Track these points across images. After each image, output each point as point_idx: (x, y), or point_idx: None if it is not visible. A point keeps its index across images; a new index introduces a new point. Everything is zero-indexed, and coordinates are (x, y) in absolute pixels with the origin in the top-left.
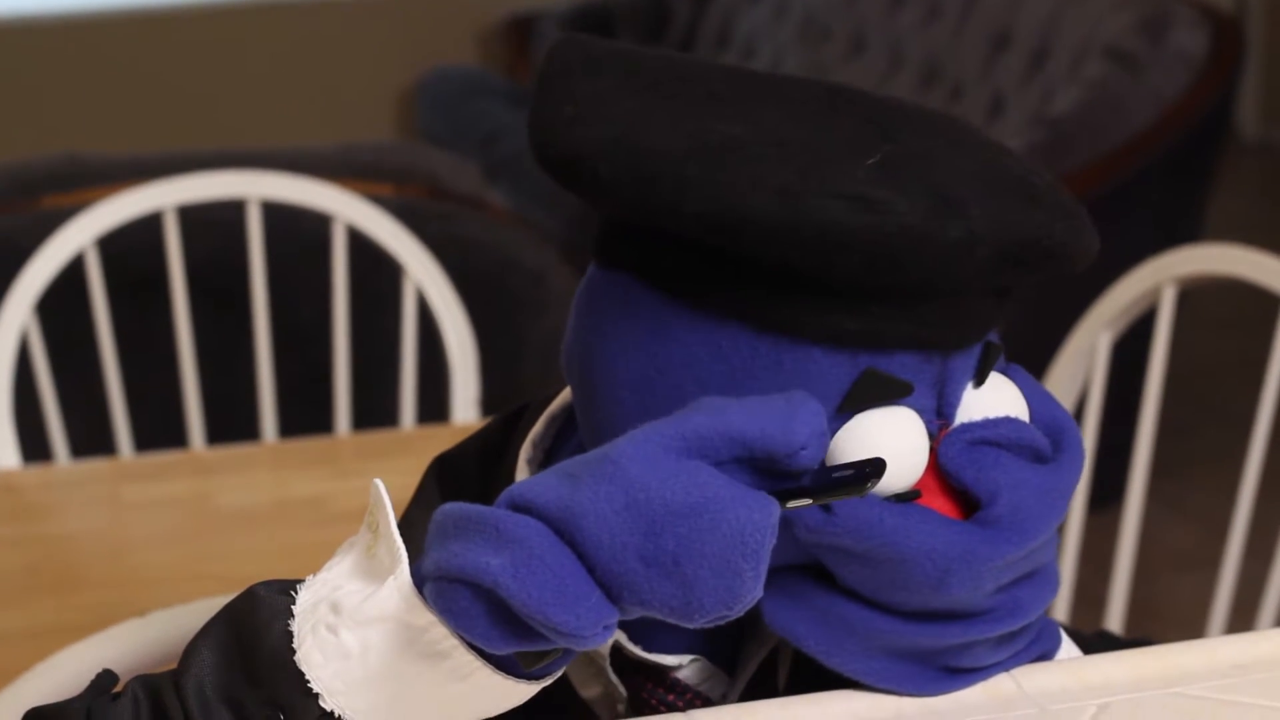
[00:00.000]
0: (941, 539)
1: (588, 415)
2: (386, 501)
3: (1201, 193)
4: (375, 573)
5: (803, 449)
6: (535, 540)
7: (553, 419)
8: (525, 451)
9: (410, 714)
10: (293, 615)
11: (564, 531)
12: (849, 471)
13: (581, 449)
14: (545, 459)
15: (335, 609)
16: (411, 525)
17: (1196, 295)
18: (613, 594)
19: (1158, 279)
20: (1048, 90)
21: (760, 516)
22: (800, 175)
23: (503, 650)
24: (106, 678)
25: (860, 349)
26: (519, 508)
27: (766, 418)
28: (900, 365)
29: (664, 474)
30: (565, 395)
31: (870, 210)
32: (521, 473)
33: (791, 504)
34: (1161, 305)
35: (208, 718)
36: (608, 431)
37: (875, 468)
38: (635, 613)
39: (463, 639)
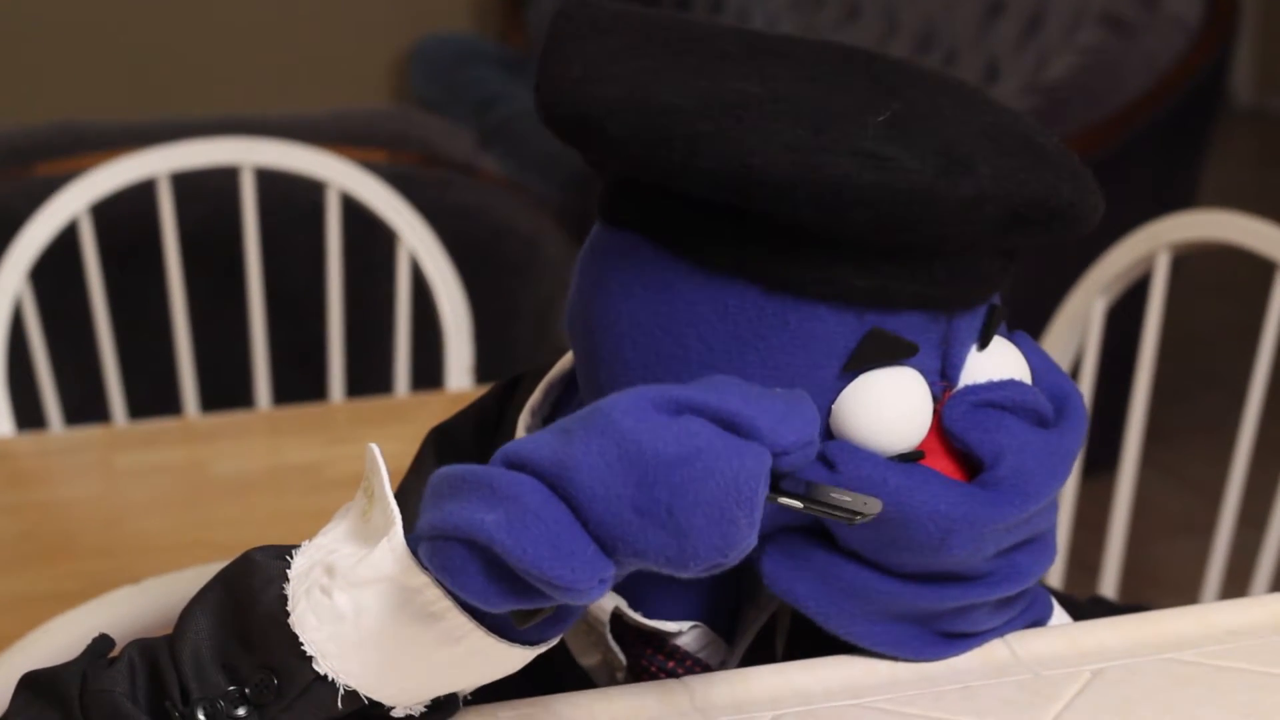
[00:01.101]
0: (945, 500)
1: (591, 375)
2: (381, 465)
3: (1196, 159)
4: (370, 536)
5: (785, 453)
6: (529, 496)
7: (550, 387)
8: (523, 420)
9: (403, 678)
10: (287, 579)
11: (558, 485)
12: (846, 499)
13: None
14: (543, 427)
15: (329, 571)
16: (408, 495)
17: (1191, 261)
18: (608, 546)
19: (1152, 245)
20: (1042, 56)
21: (753, 464)
22: (812, 132)
23: (499, 608)
24: (103, 642)
25: (867, 308)
26: (513, 465)
27: (760, 409)
28: (906, 325)
29: (655, 425)
30: (562, 364)
31: (881, 167)
32: None
33: (782, 500)
34: (1156, 271)
35: (202, 682)
36: (611, 390)
37: (870, 509)
38: (631, 564)
39: (457, 600)
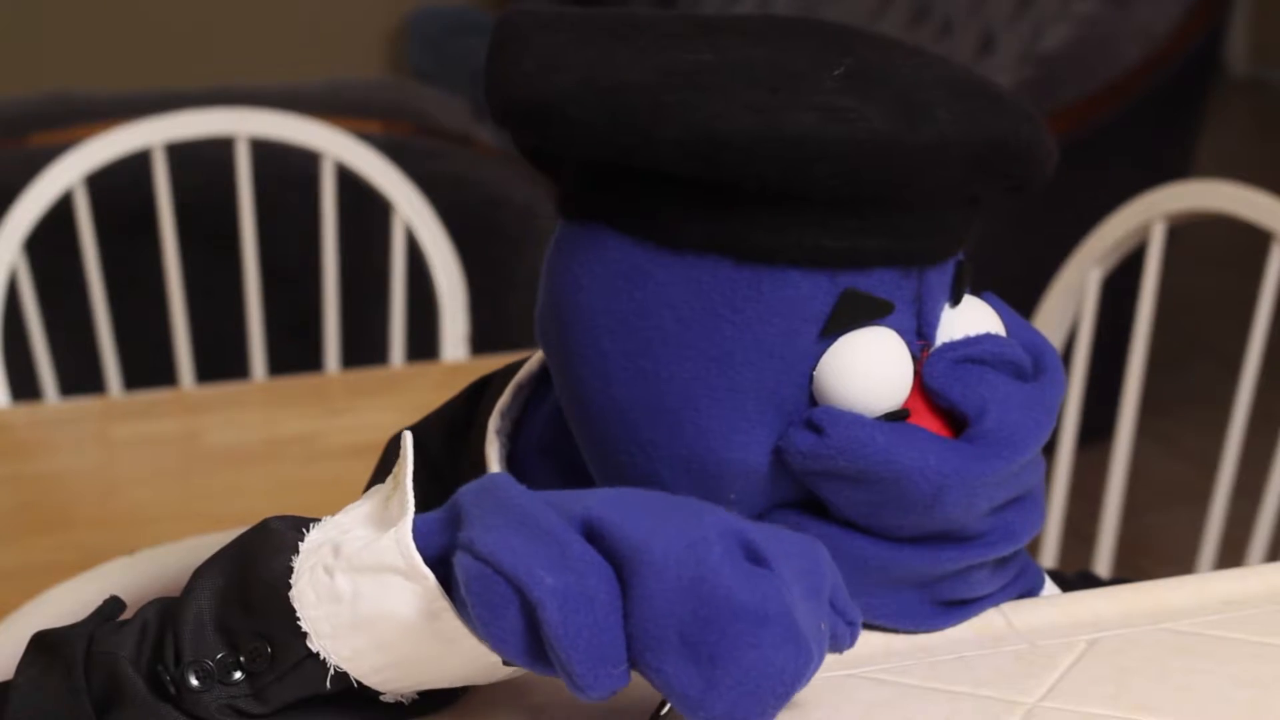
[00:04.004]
0: (935, 455)
1: (569, 373)
2: (409, 455)
3: (1191, 129)
4: (385, 522)
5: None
6: (595, 582)
7: (519, 389)
8: (493, 423)
9: (393, 668)
10: (298, 551)
11: (624, 568)
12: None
13: (553, 418)
14: (514, 429)
15: (336, 551)
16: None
17: (1186, 231)
18: (635, 649)
19: (1147, 215)
20: (1037, 27)
21: (805, 667)
22: (770, 91)
23: (511, 657)
24: (113, 603)
25: (839, 269)
26: (593, 530)
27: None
28: (879, 284)
29: (744, 572)
30: (531, 364)
31: (842, 119)
32: (491, 445)
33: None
34: (1151, 241)
35: (199, 643)
36: (591, 387)
37: None
38: (644, 674)
39: (453, 603)
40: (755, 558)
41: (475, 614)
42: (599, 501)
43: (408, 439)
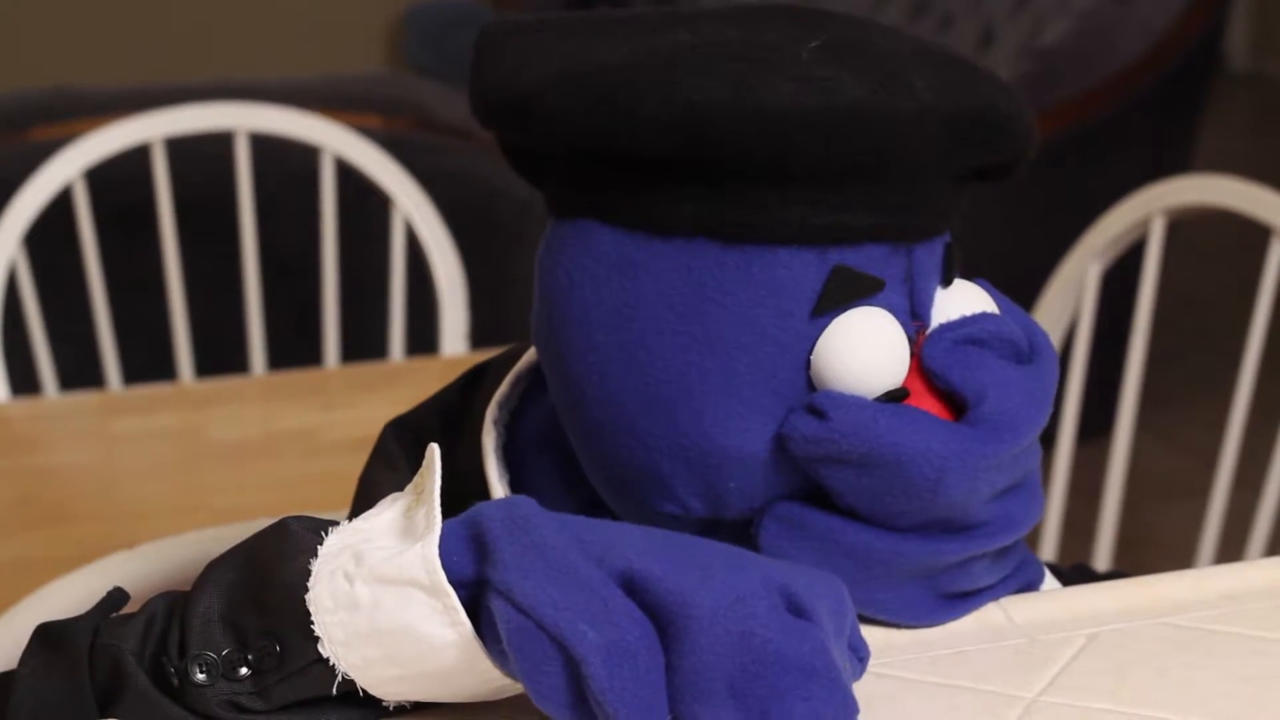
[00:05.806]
0: (937, 438)
1: (564, 374)
2: (437, 467)
3: (1191, 124)
4: (408, 534)
5: None
6: (637, 634)
7: (518, 379)
8: (491, 413)
9: (402, 680)
10: (316, 554)
11: (671, 624)
12: None
13: (552, 410)
14: (511, 420)
15: (358, 559)
16: (375, 485)
17: (1186, 226)
18: (682, 700)
19: (1148, 210)
20: (1038, 21)
21: (850, 713)
22: (748, 66)
23: (551, 712)
24: (117, 594)
25: (826, 245)
26: (634, 583)
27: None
28: (868, 260)
29: (791, 626)
30: (530, 355)
31: (820, 89)
32: (488, 435)
33: None
34: (1151, 236)
35: (207, 638)
36: (587, 383)
37: None
38: None
39: (472, 623)
40: (796, 609)
41: (519, 668)
42: (636, 551)
43: (434, 451)
